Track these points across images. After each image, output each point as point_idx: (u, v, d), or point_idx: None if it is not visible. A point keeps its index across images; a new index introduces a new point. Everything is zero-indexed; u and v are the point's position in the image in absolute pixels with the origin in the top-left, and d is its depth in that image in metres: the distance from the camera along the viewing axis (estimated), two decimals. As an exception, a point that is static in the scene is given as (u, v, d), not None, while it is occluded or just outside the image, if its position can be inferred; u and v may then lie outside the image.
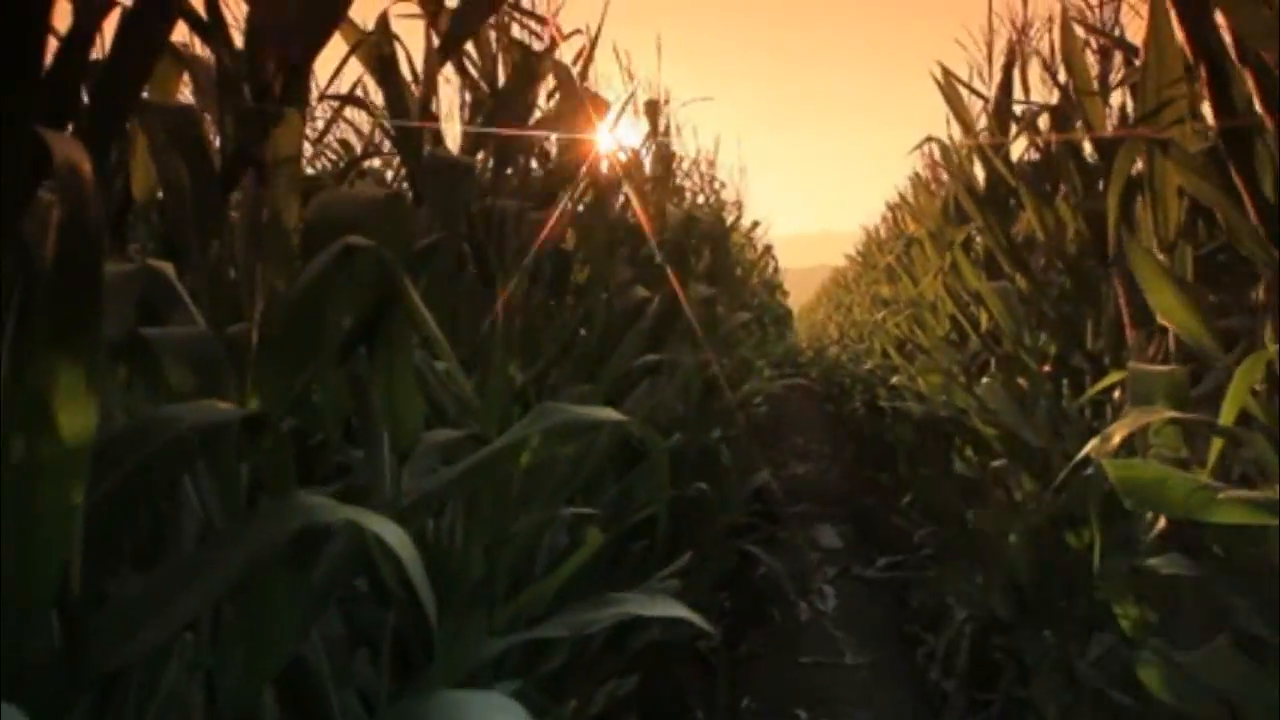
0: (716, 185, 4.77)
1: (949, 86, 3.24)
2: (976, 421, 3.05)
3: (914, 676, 3.99)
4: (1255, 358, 1.32)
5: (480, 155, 1.63)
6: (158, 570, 0.80)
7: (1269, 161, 1.63)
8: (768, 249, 6.98)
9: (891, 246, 5.22)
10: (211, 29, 1.05)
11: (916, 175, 4.23)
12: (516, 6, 2.06)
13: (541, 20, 2.13)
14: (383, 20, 1.40)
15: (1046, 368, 2.96)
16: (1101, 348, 2.64)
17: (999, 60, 3.21)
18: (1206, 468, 1.83)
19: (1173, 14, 1.62)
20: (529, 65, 1.67)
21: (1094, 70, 2.42)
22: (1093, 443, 2.14)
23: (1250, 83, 1.57)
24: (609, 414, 1.20)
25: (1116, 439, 1.48)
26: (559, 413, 1.20)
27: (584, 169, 2.23)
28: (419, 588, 0.77)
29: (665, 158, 3.17)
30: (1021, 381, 2.98)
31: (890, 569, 5.01)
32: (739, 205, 5.47)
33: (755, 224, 5.80)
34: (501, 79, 1.83)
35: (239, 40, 1.06)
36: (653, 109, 3.19)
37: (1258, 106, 1.61)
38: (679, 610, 1.23)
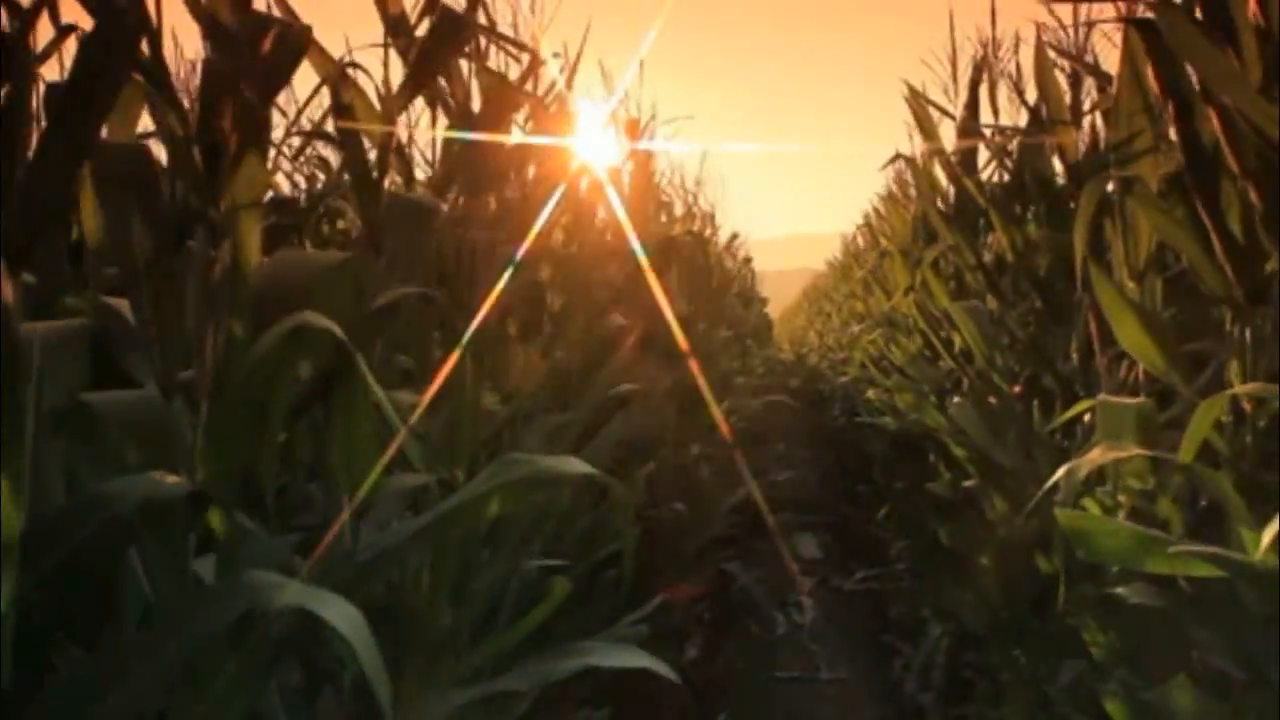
0: (698, 202, 4.78)
1: (917, 105, 3.25)
2: (949, 441, 3.06)
3: (890, 691, 4.00)
4: (1215, 399, 1.33)
5: (452, 191, 1.61)
6: (98, 654, 0.78)
7: (1234, 200, 1.64)
8: (747, 260, 6.98)
9: (866, 259, 5.24)
10: (153, 74, 1.02)
11: (889, 191, 4.25)
12: (493, 31, 2.04)
13: (520, 45, 2.12)
14: (339, 70, 1.38)
15: (1017, 388, 2.97)
16: (1072, 370, 2.66)
17: (965, 76, 3.22)
18: (1170, 497, 1.85)
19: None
20: (504, 95, 1.65)
21: (1065, 95, 2.43)
22: (1061, 471, 2.15)
23: (1216, 123, 1.58)
24: (575, 466, 1.18)
25: (1083, 473, 1.48)
26: (522, 465, 1.19)
27: (560, 195, 2.22)
28: (370, 673, 0.75)
29: (646, 176, 3.17)
30: (993, 401, 2.99)
31: (868, 580, 5.02)
32: (712, 218, 5.49)
33: (734, 236, 5.82)
34: (477, 105, 1.81)
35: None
36: (634, 128, 3.18)
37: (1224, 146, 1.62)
38: (643, 660, 1.22)
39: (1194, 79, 1.63)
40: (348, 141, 1.34)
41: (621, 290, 2.51)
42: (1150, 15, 1.63)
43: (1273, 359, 1.52)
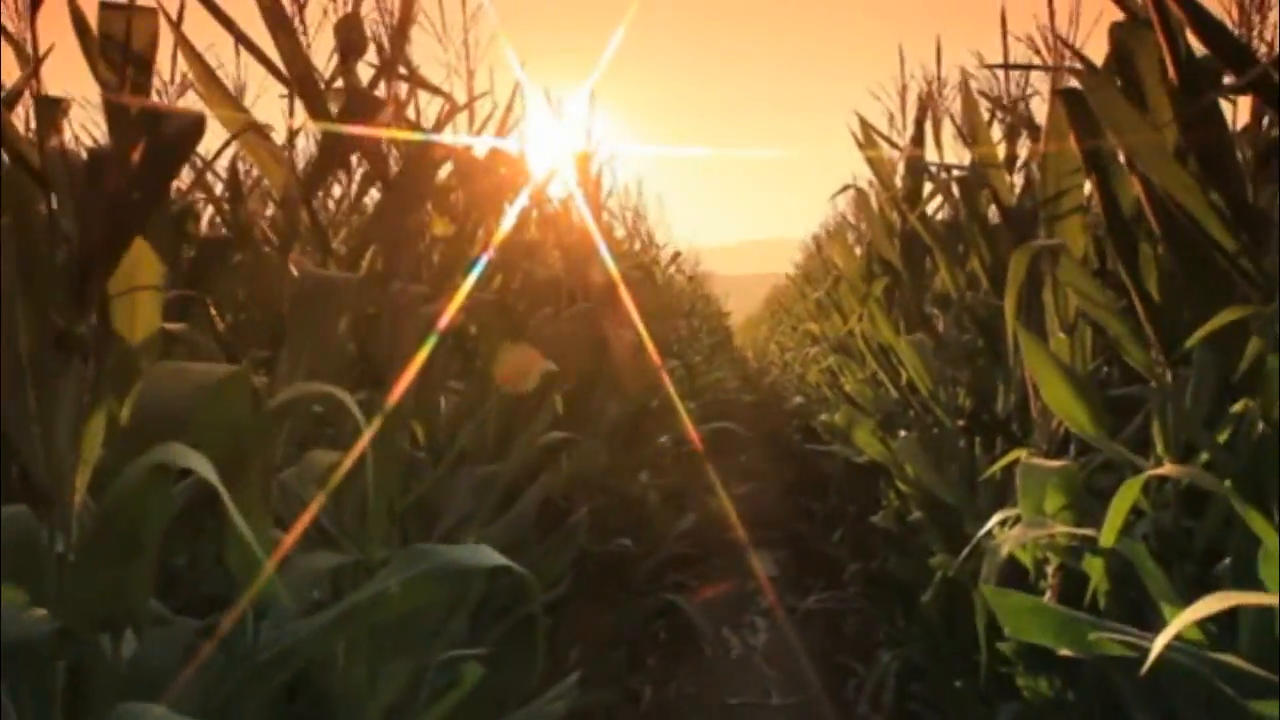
0: (641, 225, 4.79)
1: (866, 139, 3.26)
2: (894, 475, 3.08)
3: (843, 717, 4.01)
4: (1133, 482, 1.34)
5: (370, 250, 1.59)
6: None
7: (1153, 265, 1.66)
8: (692, 279, 6.96)
9: (822, 278, 5.26)
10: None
11: (843, 216, 4.27)
12: (416, 79, 2.02)
13: (445, 95, 2.09)
14: (246, 126, 1.33)
15: (961, 422, 2.99)
16: (1010, 410, 2.68)
17: (913, 109, 3.25)
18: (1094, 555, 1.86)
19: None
20: (424, 152, 1.62)
21: (1001, 144, 2.45)
22: (995, 520, 2.17)
23: (1139, 190, 1.60)
24: (487, 557, 1.16)
25: (1004, 551, 1.49)
26: (430, 556, 1.17)
27: (491, 242, 2.20)
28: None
29: (595, 209, 3.15)
30: (937, 436, 3.01)
31: (823, 601, 5.04)
32: (650, 236, 5.51)
33: (676, 254, 5.79)
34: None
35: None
36: (583, 161, 3.16)
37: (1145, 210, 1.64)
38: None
39: (1116, 144, 1.64)
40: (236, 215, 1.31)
41: (560, 331, 2.49)
42: (1075, 82, 1.65)
43: (1191, 427, 1.54)
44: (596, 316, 2.88)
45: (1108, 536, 1.35)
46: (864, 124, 3.27)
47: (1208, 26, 1.41)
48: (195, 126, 1.00)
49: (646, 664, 4.15)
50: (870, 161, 3.11)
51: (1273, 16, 1.52)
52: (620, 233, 4.31)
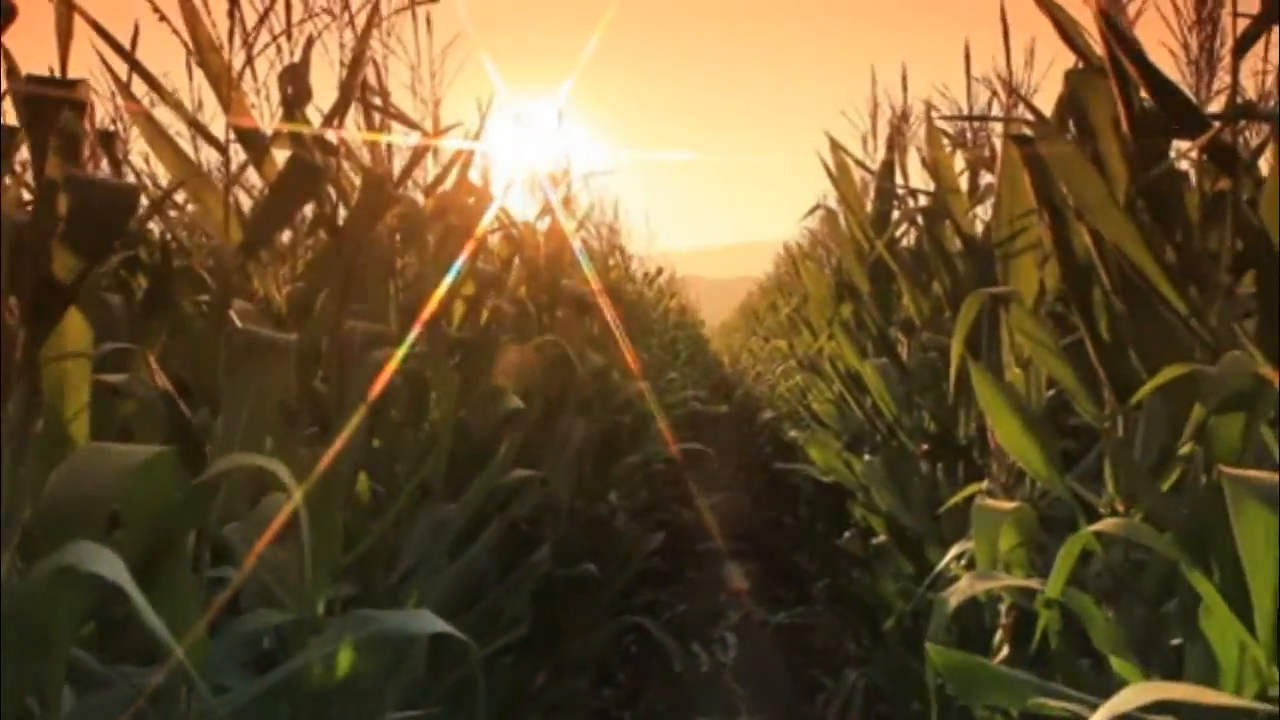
0: (617, 244, 4.79)
1: (837, 162, 3.27)
2: (858, 499, 3.09)
3: (811, 733, 4.03)
4: (1077, 538, 1.35)
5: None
6: None
7: (1104, 310, 1.68)
8: (661, 292, 6.96)
9: (791, 292, 5.28)
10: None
11: (812, 233, 4.28)
12: (385, 109, 2.00)
13: (412, 125, 2.07)
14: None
15: (925, 446, 3.00)
16: (971, 438, 2.70)
17: (885, 130, 3.26)
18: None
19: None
20: (376, 196, 1.60)
21: (965, 175, 2.47)
22: (953, 552, 2.18)
23: (1088, 240, 1.62)
24: (428, 624, 1.15)
25: (952, 604, 1.49)
26: (369, 622, 1.16)
27: (457, 271, 2.18)
28: None
29: (559, 233, 3.14)
30: (901, 461, 3.02)
31: (793, 616, 5.05)
32: (623, 251, 5.51)
33: (650, 274, 5.78)
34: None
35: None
36: (551, 184, 3.15)
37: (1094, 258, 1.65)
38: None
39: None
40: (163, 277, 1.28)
41: (526, 360, 2.47)
42: (1028, 131, 1.66)
43: (1138, 480, 1.55)
44: (562, 344, 2.87)
45: (1053, 588, 1.36)
46: (834, 145, 3.27)
47: (1157, 84, 1.43)
48: (127, 198, 0.98)
49: (616, 680, 4.14)
50: (839, 188, 3.12)
51: (1224, 70, 1.54)
52: (594, 246, 4.30)
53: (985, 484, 2.26)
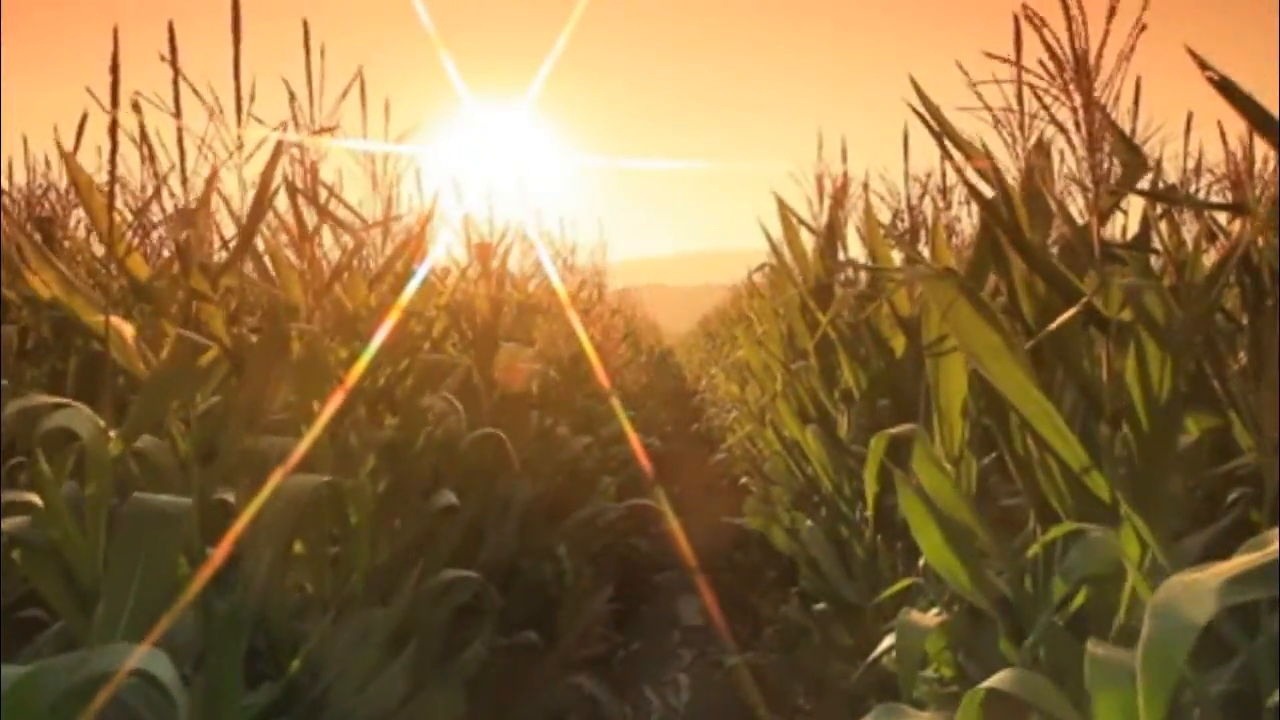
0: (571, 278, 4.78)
1: (784, 222, 3.28)
2: (801, 566, 3.10)
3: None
4: (972, 693, 1.35)
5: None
6: None
7: (1020, 430, 1.70)
8: (615, 312, 6.93)
9: (744, 335, 5.28)
10: None
11: (765, 273, 4.29)
12: (324, 210, 1.98)
13: (346, 224, 2.06)
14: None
15: (869, 513, 3.02)
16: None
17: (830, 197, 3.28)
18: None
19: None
20: (275, 336, 1.57)
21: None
22: (881, 647, 2.19)
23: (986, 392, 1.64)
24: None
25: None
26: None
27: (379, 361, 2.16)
28: None
29: (496, 300, 3.12)
30: (843, 531, 3.04)
31: (746, 658, 5.06)
32: (595, 277, 5.50)
33: (614, 313, 5.78)
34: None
35: None
36: (484, 251, 3.14)
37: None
38: None
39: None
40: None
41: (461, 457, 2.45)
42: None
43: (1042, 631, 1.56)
44: (499, 435, 2.81)
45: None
46: (782, 207, 3.28)
47: (1048, 274, 1.46)
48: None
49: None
50: (791, 250, 3.14)
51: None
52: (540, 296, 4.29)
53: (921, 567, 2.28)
